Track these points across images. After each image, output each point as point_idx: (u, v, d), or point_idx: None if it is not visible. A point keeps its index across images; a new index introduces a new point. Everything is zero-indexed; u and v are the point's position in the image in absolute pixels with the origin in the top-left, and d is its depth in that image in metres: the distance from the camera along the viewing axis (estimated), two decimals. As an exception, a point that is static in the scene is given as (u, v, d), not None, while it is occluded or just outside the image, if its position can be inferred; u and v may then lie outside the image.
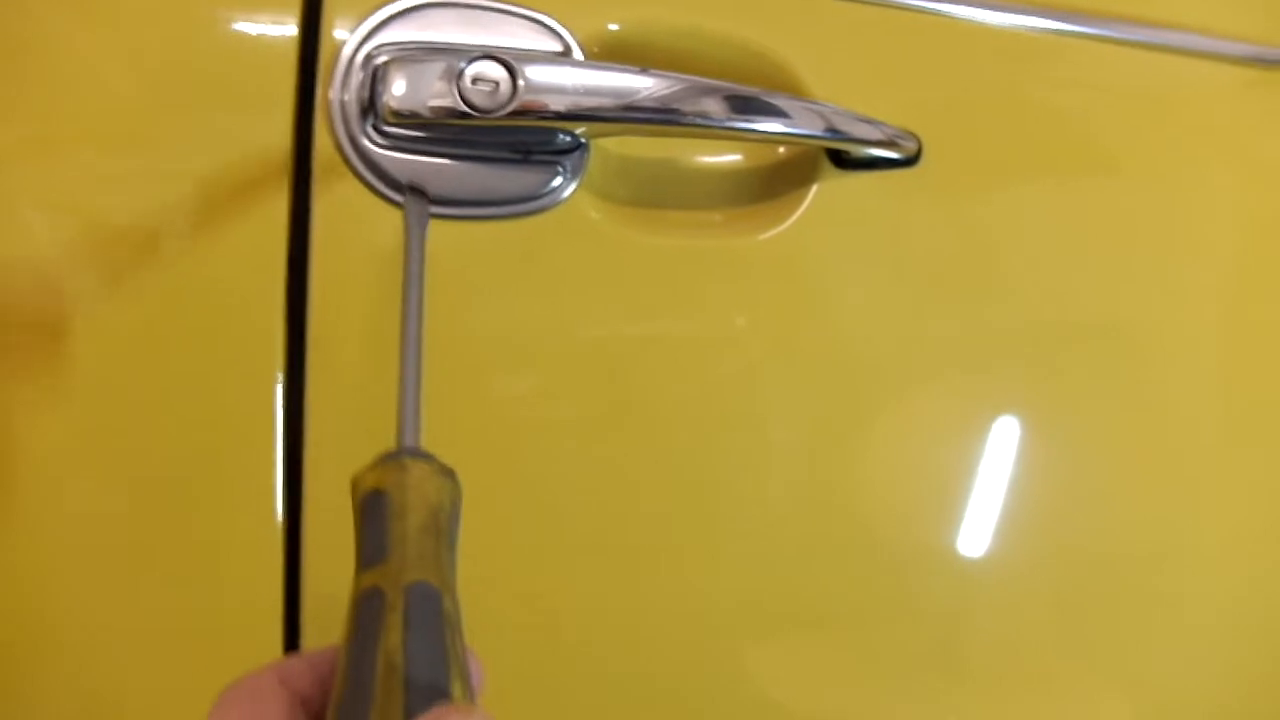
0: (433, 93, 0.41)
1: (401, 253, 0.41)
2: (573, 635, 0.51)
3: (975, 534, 0.53)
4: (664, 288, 0.48)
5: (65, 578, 0.45)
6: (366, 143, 0.44)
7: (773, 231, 0.49)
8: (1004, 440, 0.53)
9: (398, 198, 0.44)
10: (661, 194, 0.49)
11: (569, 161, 0.46)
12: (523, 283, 0.47)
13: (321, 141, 0.44)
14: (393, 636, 0.28)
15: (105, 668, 0.46)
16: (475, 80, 0.41)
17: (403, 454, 0.33)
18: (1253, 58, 0.55)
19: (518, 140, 0.45)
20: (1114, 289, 0.54)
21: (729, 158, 0.50)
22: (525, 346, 0.48)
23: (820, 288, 0.51)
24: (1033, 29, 0.52)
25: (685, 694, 0.53)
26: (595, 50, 0.46)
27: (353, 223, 0.45)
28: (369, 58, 0.43)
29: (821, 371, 0.51)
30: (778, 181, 0.50)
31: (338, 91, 0.44)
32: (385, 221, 0.44)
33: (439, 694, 0.27)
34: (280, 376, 0.45)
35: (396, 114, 0.42)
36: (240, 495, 0.46)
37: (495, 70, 0.41)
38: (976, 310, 0.52)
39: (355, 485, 0.33)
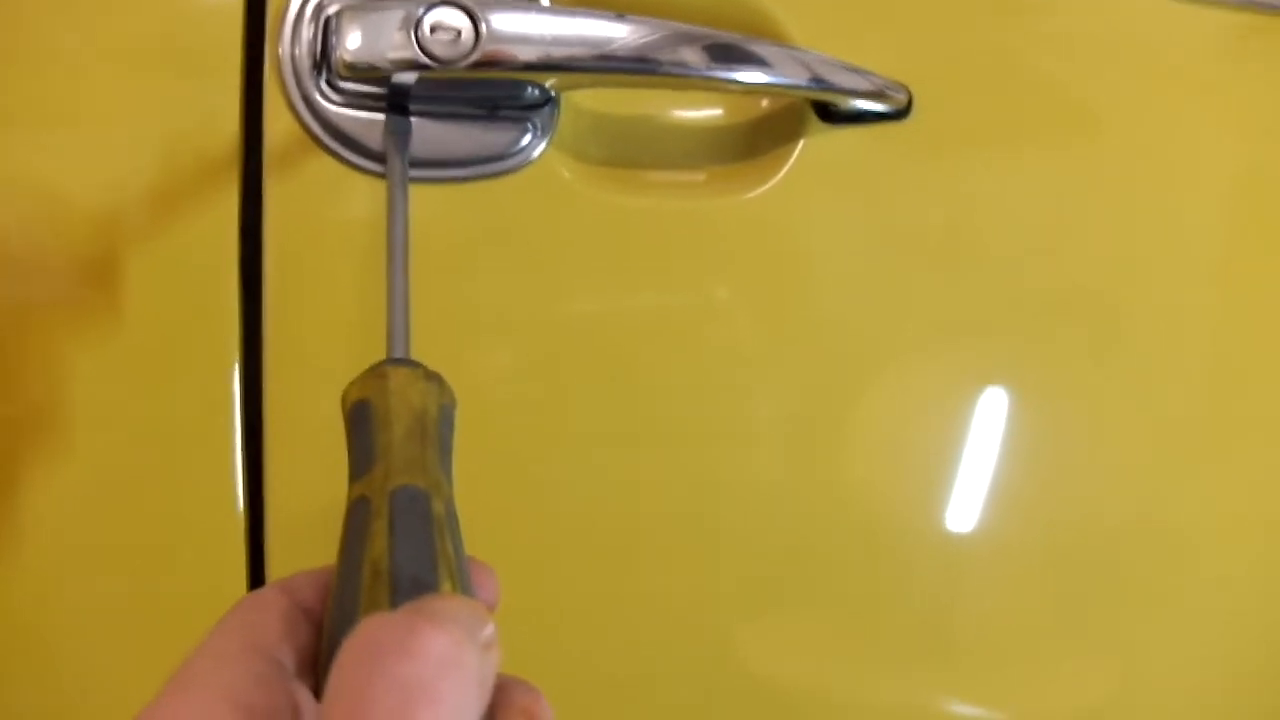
0: (390, 44, 0.39)
1: (357, 219, 0.40)
2: (555, 614, 0.50)
3: (964, 509, 0.53)
4: (642, 252, 0.47)
5: (21, 571, 0.44)
6: (321, 101, 0.42)
7: (757, 191, 0.47)
8: (994, 413, 0.52)
9: (356, 160, 0.42)
10: (638, 152, 0.47)
11: (538, 118, 0.44)
12: (491, 249, 0.45)
13: (273, 101, 0.42)
14: (378, 542, 0.28)
15: (69, 662, 0.45)
16: (434, 29, 0.38)
17: (385, 364, 0.33)
18: (1249, 2, 0.53)
19: (482, 95, 0.43)
20: (1107, 253, 0.52)
21: (709, 112, 0.48)
22: (495, 316, 0.46)
23: (806, 251, 0.49)
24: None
25: (675, 673, 0.52)
26: (563, -2, 0.44)
27: (309, 187, 0.43)
28: (319, 8, 0.41)
29: (807, 339, 0.50)
30: (761, 138, 0.48)
31: (287, 46, 0.41)
32: (343, 184, 0.43)
33: (425, 590, 0.27)
34: (237, 352, 0.43)
35: (351, 68, 0.39)
36: (200, 479, 0.45)
37: (456, 18, 0.39)
38: (967, 276, 0.51)
39: (343, 400, 0.33)
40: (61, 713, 0.45)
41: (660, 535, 0.50)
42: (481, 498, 0.46)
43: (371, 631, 0.24)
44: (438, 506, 0.30)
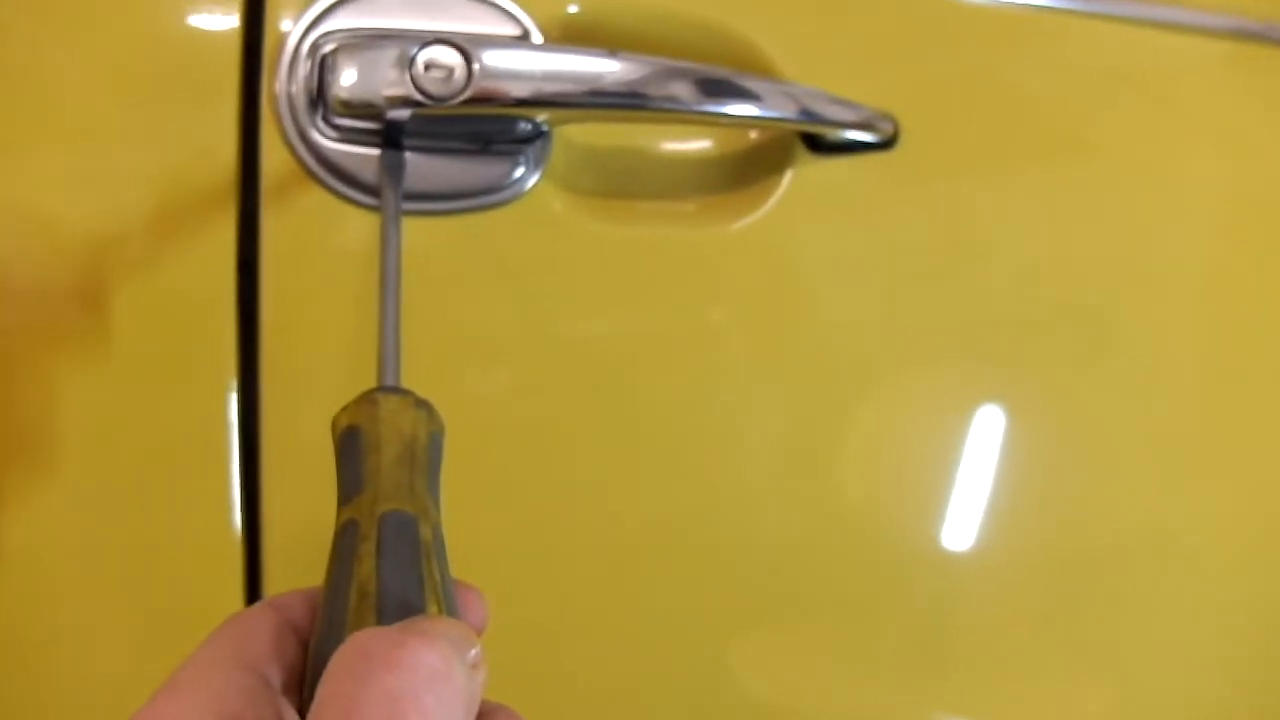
0: (384, 81, 0.39)
1: (352, 251, 0.40)
2: (554, 631, 0.50)
3: (959, 523, 0.53)
4: (635, 281, 0.47)
5: (21, 590, 0.44)
6: (317, 136, 0.42)
7: (746, 220, 0.48)
8: (987, 429, 0.53)
9: (350, 193, 0.43)
10: (629, 183, 0.48)
11: (530, 151, 0.44)
12: (486, 279, 0.45)
13: (269, 137, 0.42)
14: (365, 565, 0.29)
15: (67, 679, 0.45)
16: (428, 66, 0.39)
17: (375, 391, 0.33)
18: (1233, 30, 0.53)
19: (475, 130, 0.43)
20: (1096, 273, 0.53)
21: (698, 144, 0.49)
22: (489, 345, 0.46)
23: (797, 278, 0.49)
24: (1008, 5, 0.50)
25: (671, 688, 0.52)
26: (554, 34, 0.44)
27: (304, 221, 0.43)
28: (315, 46, 0.42)
29: (801, 363, 0.50)
30: (750, 168, 0.49)
31: (284, 83, 0.42)
32: (338, 219, 0.43)
33: (411, 613, 0.28)
34: (234, 378, 0.44)
35: (346, 105, 0.40)
36: (198, 503, 0.45)
37: (449, 55, 0.39)
38: (957, 298, 0.51)
39: (333, 426, 0.33)
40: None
41: (654, 556, 0.50)
42: (476, 523, 0.46)
43: (362, 643, 0.24)
44: (425, 532, 0.30)
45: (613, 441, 0.49)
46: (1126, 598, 0.56)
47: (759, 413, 0.50)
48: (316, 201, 0.43)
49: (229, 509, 0.44)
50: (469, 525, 0.45)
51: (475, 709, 0.26)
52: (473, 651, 0.26)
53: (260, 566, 0.45)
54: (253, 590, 0.46)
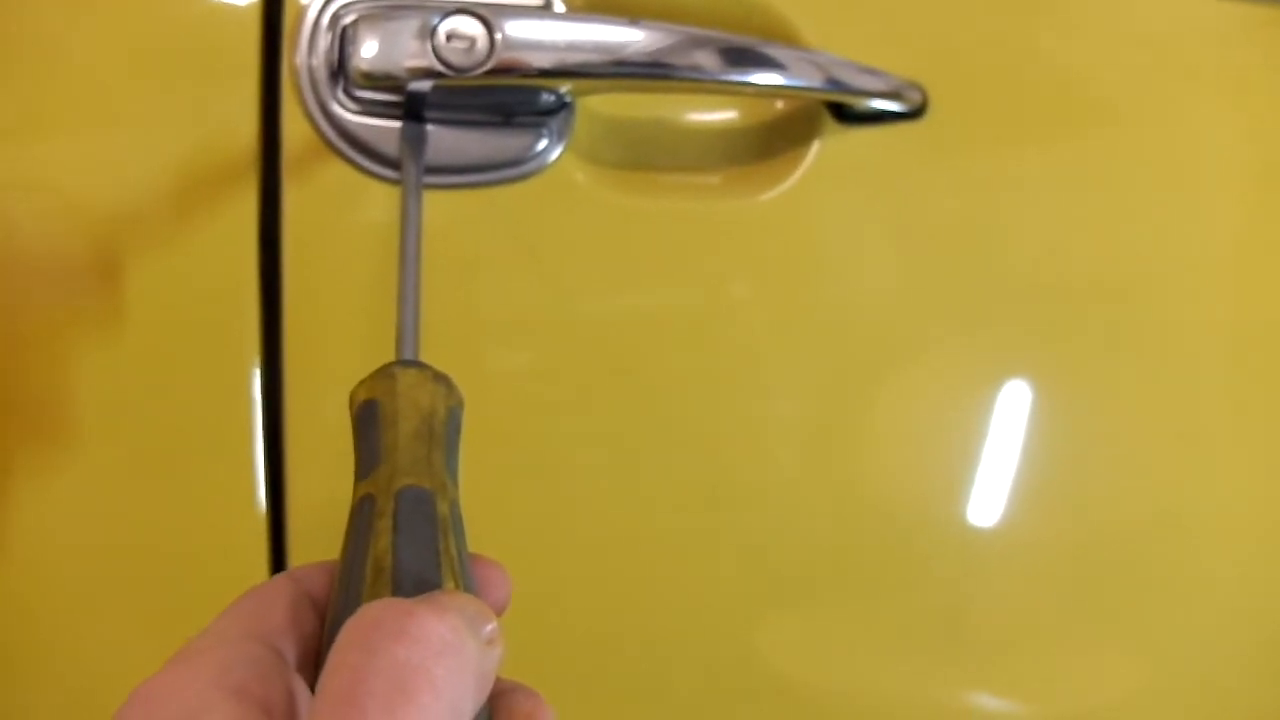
0: (406, 52, 0.39)
1: (374, 225, 0.40)
2: (576, 612, 0.50)
3: (983, 500, 0.52)
4: (659, 254, 0.47)
5: (46, 572, 0.44)
6: (338, 109, 0.42)
7: (773, 192, 0.47)
8: (1013, 407, 0.52)
9: (372, 167, 0.42)
10: (653, 155, 0.47)
11: (553, 123, 0.44)
12: (508, 253, 0.45)
13: (290, 111, 0.42)
14: (382, 540, 0.28)
15: (89, 663, 0.45)
16: (450, 37, 0.38)
17: (393, 365, 0.33)
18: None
19: (498, 102, 0.43)
20: (1123, 245, 0.52)
21: (724, 115, 0.48)
22: (511, 318, 0.46)
23: (824, 250, 0.49)
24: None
25: (692, 668, 0.52)
26: (577, 3, 0.44)
27: (326, 196, 0.43)
28: (335, 18, 0.41)
29: (826, 337, 0.49)
30: (776, 139, 0.48)
31: (304, 56, 0.41)
32: (360, 193, 0.43)
33: (427, 588, 0.27)
34: (257, 354, 0.43)
35: (368, 76, 0.39)
36: (222, 480, 0.45)
37: (471, 26, 0.39)
38: (984, 271, 0.51)
39: (351, 400, 0.33)
40: (82, 709, 0.46)
41: (676, 532, 0.50)
42: (497, 498, 0.47)
43: (374, 613, 0.24)
44: (442, 507, 0.30)
45: (635, 417, 0.48)
46: (1152, 575, 0.56)
47: (783, 388, 0.49)
48: (338, 175, 0.42)
49: (253, 485, 0.44)
50: (490, 503, 0.46)
51: (489, 685, 0.26)
52: (488, 627, 0.26)
53: (285, 542, 0.45)
54: (278, 566, 0.46)
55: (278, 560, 0.46)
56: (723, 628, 0.52)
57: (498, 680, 0.28)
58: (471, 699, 0.24)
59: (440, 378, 0.33)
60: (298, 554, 0.45)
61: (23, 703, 0.45)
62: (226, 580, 0.45)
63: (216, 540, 0.45)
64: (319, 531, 0.45)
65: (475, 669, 0.24)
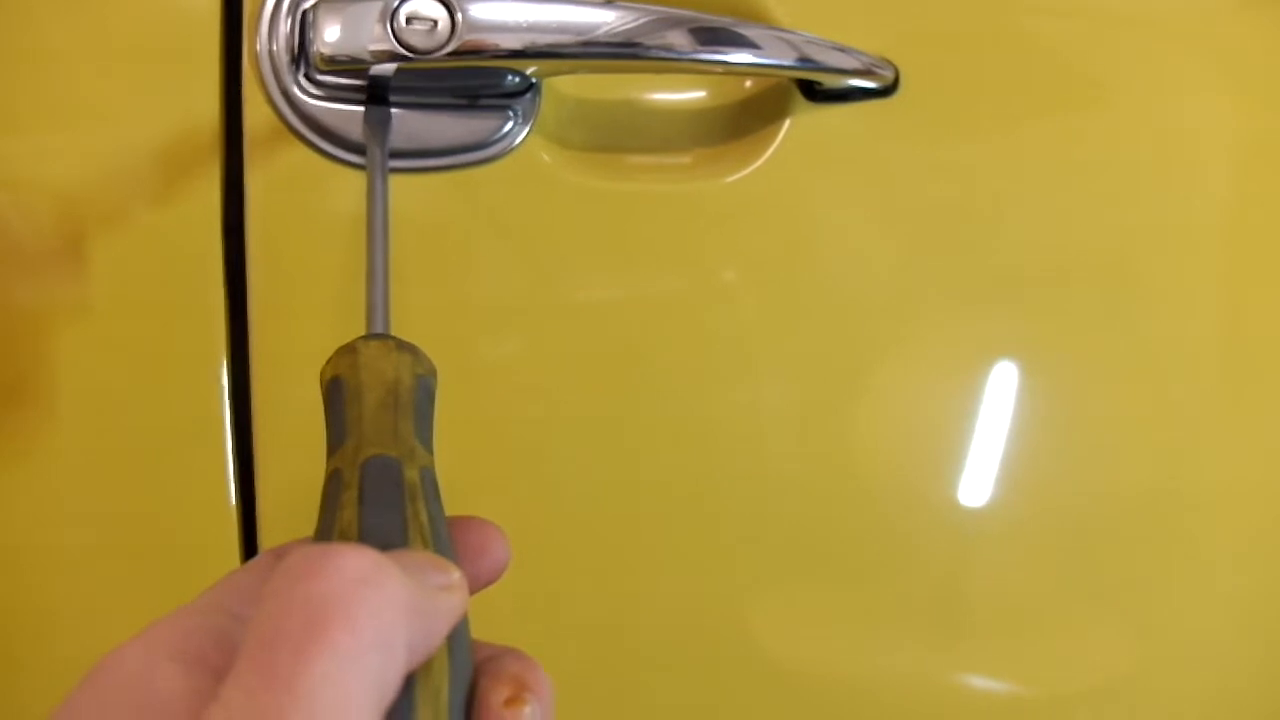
0: (367, 36, 0.38)
1: (339, 212, 0.40)
2: (569, 596, 0.50)
3: (975, 480, 0.52)
4: (629, 236, 0.46)
5: (13, 567, 0.44)
6: (300, 94, 0.41)
7: (743, 172, 0.47)
8: (1001, 383, 0.52)
9: (336, 152, 0.42)
10: (621, 137, 0.47)
11: (519, 105, 0.43)
12: (475, 237, 0.45)
13: (252, 96, 0.42)
14: (347, 512, 0.28)
15: (65, 647, 0.45)
16: (411, 20, 0.38)
17: (357, 340, 0.33)
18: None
19: (462, 84, 0.42)
20: (1108, 223, 0.52)
21: (693, 94, 0.48)
22: (481, 303, 0.46)
23: (795, 230, 0.48)
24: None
25: (685, 647, 0.52)
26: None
27: (290, 180, 0.42)
28: (296, 2, 0.41)
29: (805, 319, 0.49)
30: (747, 118, 0.47)
31: (264, 41, 0.41)
32: (324, 179, 0.42)
33: None
34: (224, 343, 0.43)
35: (330, 61, 0.39)
36: (191, 471, 0.44)
37: (433, 8, 0.38)
38: (965, 250, 0.50)
39: (320, 380, 0.33)
40: (49, 697, 0.45)
41: (670, 517, 0.50)
42: (476, 483, 0.46)
43: (293, 558, 0.24)
44: (410, 474, 0.30)
45: (609, 398, 0.48)
46: (1146, 556, 0.55)
47: (762, 368, 0.49)
48: (302, 161, 0.42)
49: (224, 475, 0.44)
50: (465, 487, 0.46)
51: (435, 626, 0.25)
52: (440, 576, 0.26)
53: (256, 532, 0.45)
54: (249, 552, 0.45)
55: (249, 546, 0.45)
56: (716, 611, 0.51)
57: (488, 645, 0.29)
58: (403, 636, 0.24)
59: (405, 346, 0.33)
60: (269, 540, 0.45)
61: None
62: (197, 567, 0.45)
63: (186, 528, 0.45)
64: (291, 519, 0.45)
65: (404, 605, 0.24)
